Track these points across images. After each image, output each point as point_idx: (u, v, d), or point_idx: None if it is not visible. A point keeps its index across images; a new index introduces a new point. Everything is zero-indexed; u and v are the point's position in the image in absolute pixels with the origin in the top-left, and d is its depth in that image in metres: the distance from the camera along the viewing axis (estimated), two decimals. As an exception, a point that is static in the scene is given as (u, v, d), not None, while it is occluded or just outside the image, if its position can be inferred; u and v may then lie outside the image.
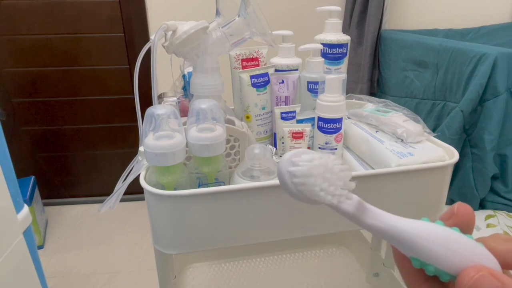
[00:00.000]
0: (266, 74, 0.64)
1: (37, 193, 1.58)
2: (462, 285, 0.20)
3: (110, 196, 0.52)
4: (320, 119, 0.57)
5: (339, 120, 0.57)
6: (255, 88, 0.63)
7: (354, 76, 1.54)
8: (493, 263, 0.21)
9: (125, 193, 0.53)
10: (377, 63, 1.50)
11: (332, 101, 0.56)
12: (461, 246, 0.21)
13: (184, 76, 0.66)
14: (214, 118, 0.50)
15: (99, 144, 1.75)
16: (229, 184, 0.53)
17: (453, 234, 0.22)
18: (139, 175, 0.50)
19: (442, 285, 0.23)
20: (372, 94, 1.55)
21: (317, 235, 0.52)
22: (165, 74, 0.70)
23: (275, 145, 0.66)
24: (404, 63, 1.35)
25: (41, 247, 1.51)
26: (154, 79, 0.52)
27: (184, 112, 0.64)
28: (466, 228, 0.23)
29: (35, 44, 1.54)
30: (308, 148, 0.61)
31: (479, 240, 0.22)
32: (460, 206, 0.23)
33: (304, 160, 0.24)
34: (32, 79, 1.60)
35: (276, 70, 0.66)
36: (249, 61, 0.67)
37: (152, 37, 0.53)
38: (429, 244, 0.22)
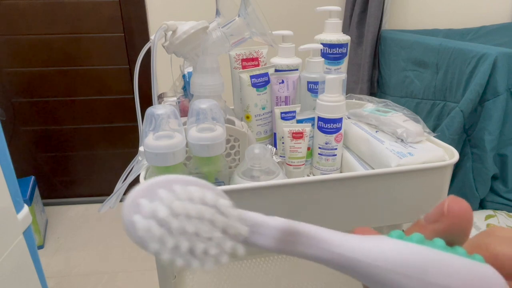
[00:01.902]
0: (266, 74, 0.64)
1: (37, 193, 1.58)
2: None
3: (110, 196, 0.52)
4: (320, 119, 0.57)
5: (339, 120, 0.57)
6: (255, 88, 0.63)
7: (354, 76, 1.54)
8: (496, 284, 0.15)
9: (125, 193, 0.53)
10: (377, 63, 1.50)
11: (332, 101, 0.56)
12: (447, 274, 0.15)
13: (184, 76, 0.66)
14: (214, 118, 0.50)
15: (99, 144, 1.75)
16: (229, 184, 0.53)
17: (436, 256, 0.15)
18: (139, 175, 0.50)
19: None
20: (372, 94, 1.55)
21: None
22: (165, 74, 0.70)
23: (275, 145, 0.66)
24: (404, 63, 1.35)
25: (41, 247, 1.51)
26: (154, 79, 0.52)
27: (184, 112, 0.64)
28: (461, 232, 0.17)
29: (35, 44, 1.54)
30: (308, 149, 0.61)
31: (480, 245, 0.17)
32: (453, 203, 0.17)
33: (147, 209, 0.15)
34: (32, 79, 1.60)
35: (276, 70, 0.66)
36: (249, 61, 0.67)
37: (152, 37, 0.53)
38: (400, 279, 0.15)
